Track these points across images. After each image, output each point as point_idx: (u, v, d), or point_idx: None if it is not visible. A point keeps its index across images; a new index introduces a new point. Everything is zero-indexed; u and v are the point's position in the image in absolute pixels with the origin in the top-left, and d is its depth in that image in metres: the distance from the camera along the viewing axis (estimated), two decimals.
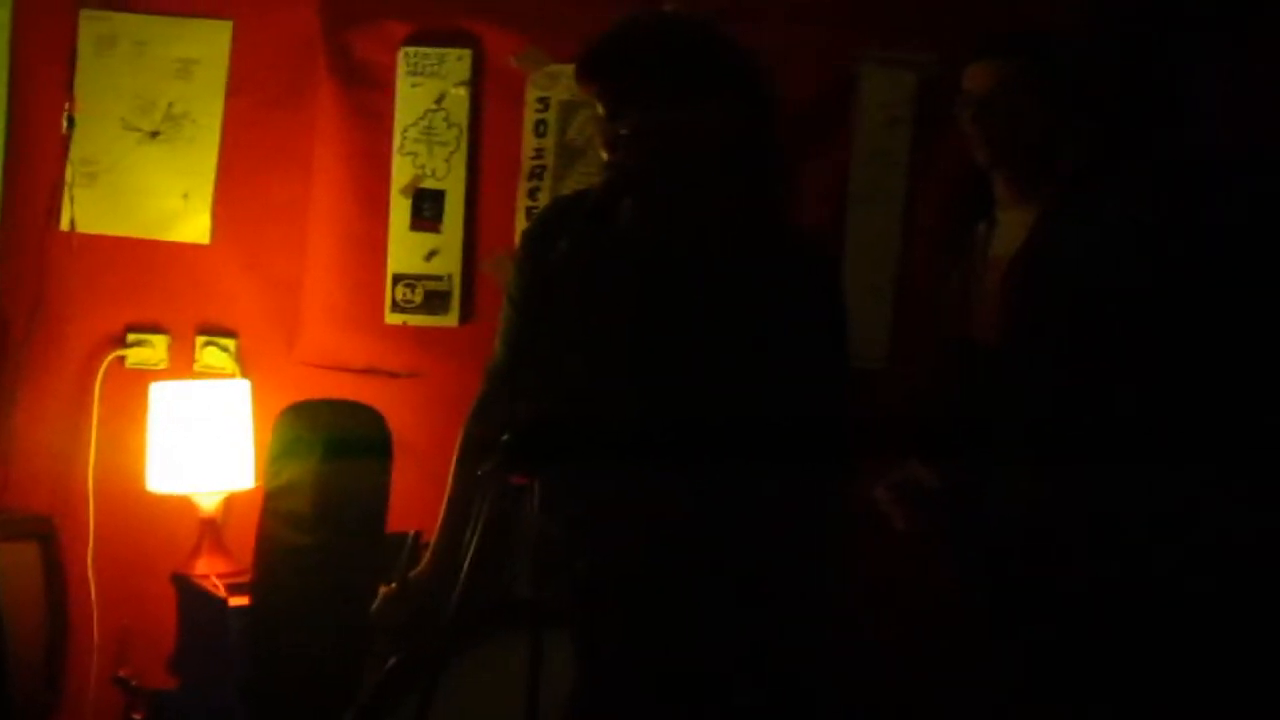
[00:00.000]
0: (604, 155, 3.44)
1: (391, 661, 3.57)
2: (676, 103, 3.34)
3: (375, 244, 5.18)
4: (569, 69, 3.72)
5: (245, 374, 5.24)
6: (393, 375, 5.15)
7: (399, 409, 4.59)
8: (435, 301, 5.14)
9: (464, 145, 5.15)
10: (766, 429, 3.28)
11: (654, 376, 3.37)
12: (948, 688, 4.10)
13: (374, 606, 3.63)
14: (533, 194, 5.10)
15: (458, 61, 5.13)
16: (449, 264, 5.15)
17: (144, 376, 5.16)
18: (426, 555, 3.63)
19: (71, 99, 5.18)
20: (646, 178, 3.39)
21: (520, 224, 5.07)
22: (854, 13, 5.01)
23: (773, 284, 3.37)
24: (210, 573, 4.85)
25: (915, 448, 3.94)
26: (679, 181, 3.41)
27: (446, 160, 5.14)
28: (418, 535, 3.62)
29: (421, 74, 5.14)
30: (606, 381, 3.41)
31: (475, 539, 3.15)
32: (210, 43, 5.21)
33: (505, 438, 3.09)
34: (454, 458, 3.61)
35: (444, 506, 3.61)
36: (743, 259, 3.39)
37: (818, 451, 3.31)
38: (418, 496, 4.12)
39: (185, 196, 5.23)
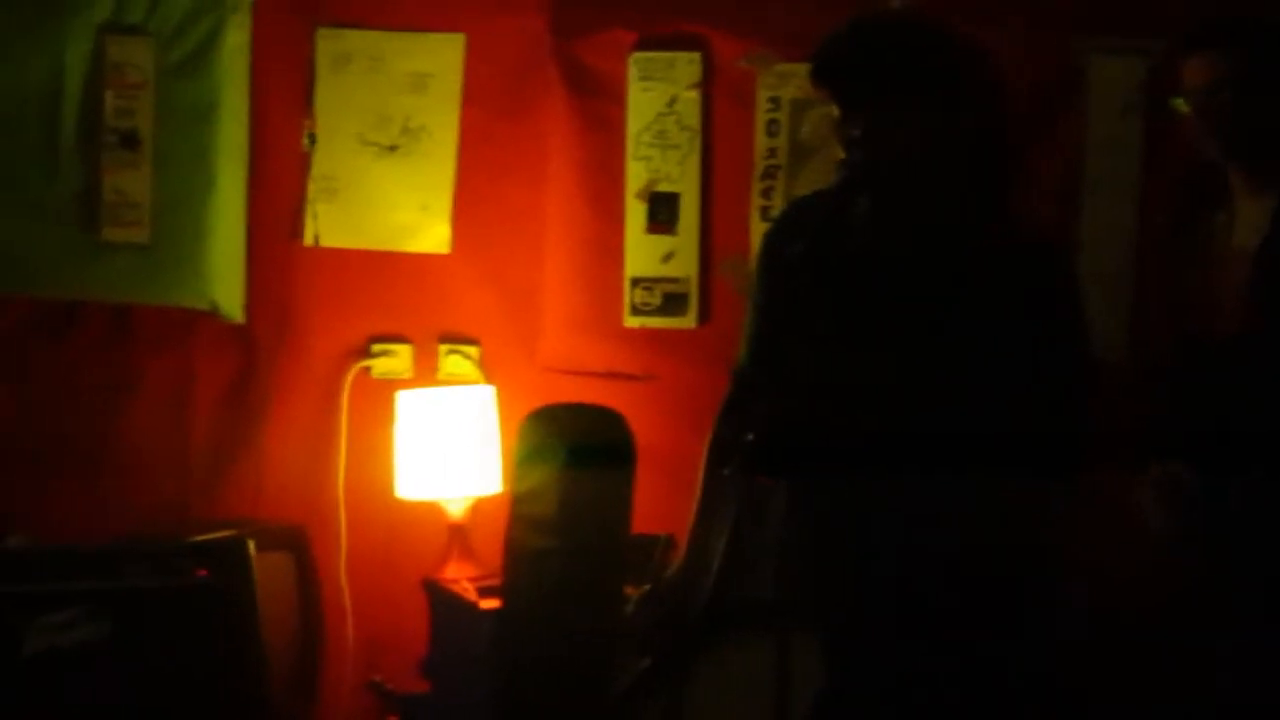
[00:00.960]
0: (840, 155, 3.45)
1: (645, 662, 3.61)
2: (908, 102, 3.37)
3: (612, 248, 5.22)
4: (800, 68, 3.78)
5: (488, 381, 5.24)
6: (632, 378, 5.18)
7: (638, 412, 4.58)
8: (673, 304, 5.16)
9: (697, 147, 5.16)
10: (1005, 429, 3.25)
11: (892, 377, 3.35)
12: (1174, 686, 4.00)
13: (628, 609, 3.71)
14: (766, 194, 5.10)
15: (688, 65, 5.14)
16: (686, 266, 5.17)
17: (390, 386, 5.22)
18: (677, 557, 3.65)
19: (311, 116, 5.28)
20: (880, 177, 3.41)
21: (755, 224, 5.07)
22: (1080, 2, 4.93)
23: (1009, 280, 3.36)
24: (460, 577, 4.89)
25: (1156, 445, 3.83)
26: (912, 180, 3.42)
27: (680, 163, 5.15)
28: (669, 538, 3.68)
29: (652, 79, 5.16)
30: (847, 382, 3.40)
31: (723, 541, 3.22)
32: (443, 56, 5.25)
33: (750, 439, 3.17)
34: (703, 460, 3.56)
35: (693, 508, 3.56)
36: (978, 256, 3.39)
37: (1057, 452, 3.27)
38: (659, 499, 4.25)
39: (424, 208, 5.29)
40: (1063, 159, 4.94)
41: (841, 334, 3.44)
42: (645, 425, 4.52)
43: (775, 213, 4.80)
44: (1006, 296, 3.36)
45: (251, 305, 5.33)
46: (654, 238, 5.18)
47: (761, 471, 3.21)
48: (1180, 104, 3.93)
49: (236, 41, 5.25)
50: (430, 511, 5.06)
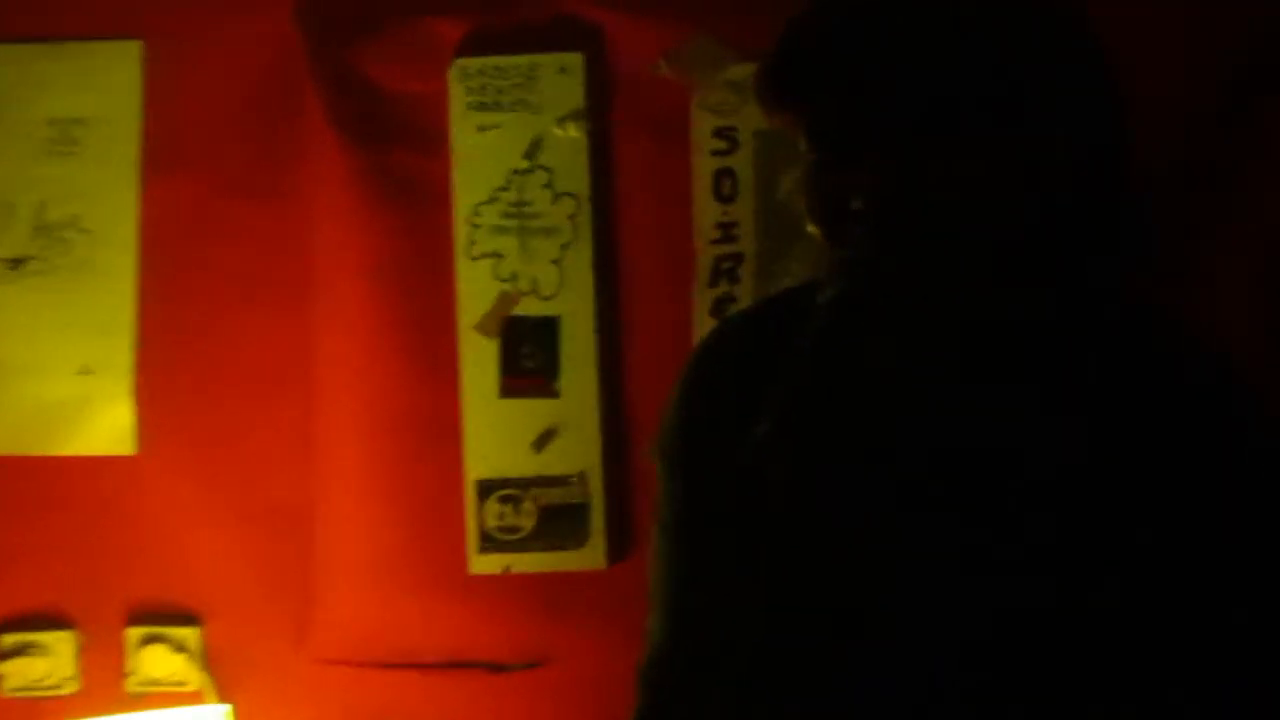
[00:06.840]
0: (814, 233, 2.88)
1: None
2: (950, 137, 2.77)
3: (440, 429, 4.48)
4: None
5: (221, 693, 4.57)
6: (496, 669, 4.55)
7: None
8: (560, 525, 4.45)
9: (586, 231, 4.43)
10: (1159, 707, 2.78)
11: (948, 646, 2.81)
12: None
13: None
14: (720, 306, 4.38)
15: (560, 75, 4.39)
16: (581, 453, 4.44)
17: (38, 710, 4.55)
18: None
19: None
20: (907, 283, 2.85)
21: None
22: None
23: (1151, 451, 2.82)
24: None
25: None
26: (968, 286, 2.85)
27: (556, 261, 4.43)
28: None
29: (497, 107, 4.41)
30: (864, 659, 2.85)
31: None
32: (106, 85, 4.55)
33: None
34: None
35: None
36: (1094, 416, 2.84)
37: None
38: None
39: (85, 372, 4.60)
40: (1252, 215, 4.37)
41: (846, 576, 2.87)
42: None
43: None
44: (1142, 480, 2.81)
45: None
46: (515, 403, 4.47)
47: None
48: None
49: None
50: None
